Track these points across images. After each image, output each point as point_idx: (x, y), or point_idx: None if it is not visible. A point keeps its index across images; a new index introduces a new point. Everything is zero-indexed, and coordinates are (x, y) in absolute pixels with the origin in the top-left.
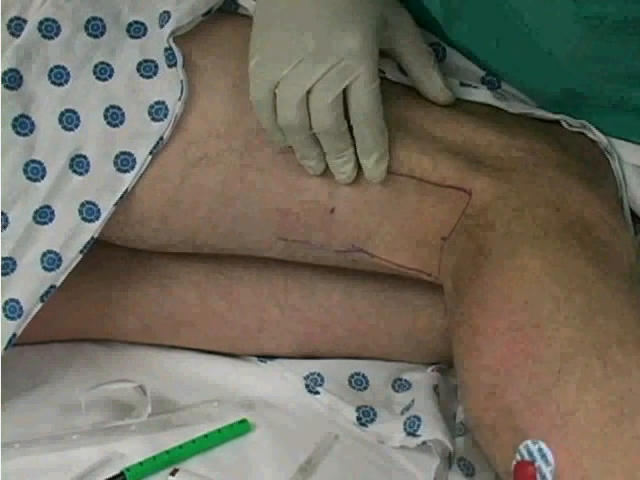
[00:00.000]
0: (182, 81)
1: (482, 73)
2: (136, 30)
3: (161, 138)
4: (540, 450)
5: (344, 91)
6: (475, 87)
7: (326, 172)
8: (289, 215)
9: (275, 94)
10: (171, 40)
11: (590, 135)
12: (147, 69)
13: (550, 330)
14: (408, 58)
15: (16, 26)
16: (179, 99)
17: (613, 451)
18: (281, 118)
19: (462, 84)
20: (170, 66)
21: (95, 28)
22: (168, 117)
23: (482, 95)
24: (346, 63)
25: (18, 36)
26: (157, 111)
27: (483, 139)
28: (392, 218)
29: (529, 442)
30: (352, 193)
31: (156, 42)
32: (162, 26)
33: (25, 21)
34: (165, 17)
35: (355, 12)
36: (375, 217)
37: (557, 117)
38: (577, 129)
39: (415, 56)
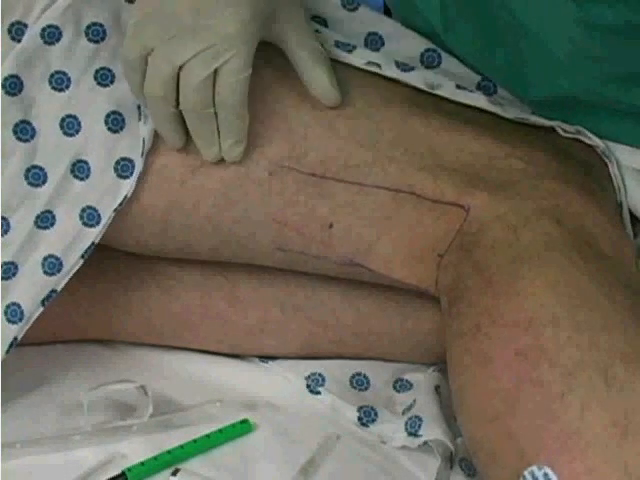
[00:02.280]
0: None
1: (478, 78)
2: None
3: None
4: (546, 475)
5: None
6: (471, 91)
7: (326, 189)
8: (287, 226)
9: (147, 61)
10: None
11: (586, 140)
12: None
13: (553, 352)
14: (297, 55)
15: (17, 30)
16: None
17: (617, 470)
18: (147, 88)
19: (458, 87)
20: None
21: (96, 33)
22: None
23: (478, 99)
24: (220, 46)
25: (19, 41)
26: None
27: (483, 149)
28: (389, 233)
29: (534, 467)
30: (350, 208)
31: None
32: None
33: (26, 25)
34: None
35: None
36: (373, 232)
37: (552, 124)
38: (572, 135)
39: (304, 53)
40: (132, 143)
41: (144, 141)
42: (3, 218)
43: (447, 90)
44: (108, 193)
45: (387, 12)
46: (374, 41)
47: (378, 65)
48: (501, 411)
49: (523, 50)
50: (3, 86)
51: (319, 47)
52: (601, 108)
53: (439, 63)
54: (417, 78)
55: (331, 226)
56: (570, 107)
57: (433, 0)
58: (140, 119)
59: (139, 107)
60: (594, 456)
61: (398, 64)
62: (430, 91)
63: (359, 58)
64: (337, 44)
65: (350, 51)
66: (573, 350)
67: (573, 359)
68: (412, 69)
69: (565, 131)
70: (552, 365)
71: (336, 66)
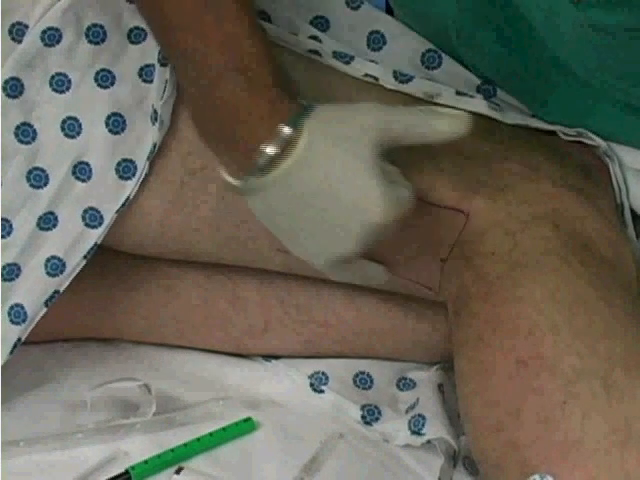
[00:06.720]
0: (166, 80)
1: (478, 82)
2: (137, 36)
3: (154, 145)
4: None
5: None
6: (471, 96)
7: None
8: None
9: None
10: None
11: (587, 141)
12: (148, 74)
13: (553, 360)
14: (413, 130)
15: (17, 31)
16: (160, 98)
17: (618, 478)
18: None
19: (458, 93)
20: (163, 65)
21: (96, 35)
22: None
23: (478, 105)
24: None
25: (20, 42)
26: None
27: (480, 153)
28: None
29: (537, 476)
30: None
31: (155, 45)
32: None
33: (27, 26)
34: None
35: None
36: None
37: (552, 127)
38: (573, 138)
39: (412, 118)
40: (133, 144)
41: (155, 146)
42: (5, 220)
43: (447, 98)
44: (110, 194)
45: (389, 12)
46: (376, 40)
47: (375, 78)
48: (504, 421)
49: (533, 56)
50: (4, 89)
51: (415, 110)
52: (603, 106)
53: (439, 64)
54: (415, 89)
55: None
56: (574, 109)
57: (449, 6)
58: (154, 124)
59: (155, 111)
60: (595, 465)
61: (396, 75)
62: (430, 100)
63: (357, 69)
64: (335, 55)
65: (348, 62)
66: (573, 358)
67: (573, 367)
68: (410, 79)
69: (566, 134)
70: (552, 374)
71: (335, 73)
